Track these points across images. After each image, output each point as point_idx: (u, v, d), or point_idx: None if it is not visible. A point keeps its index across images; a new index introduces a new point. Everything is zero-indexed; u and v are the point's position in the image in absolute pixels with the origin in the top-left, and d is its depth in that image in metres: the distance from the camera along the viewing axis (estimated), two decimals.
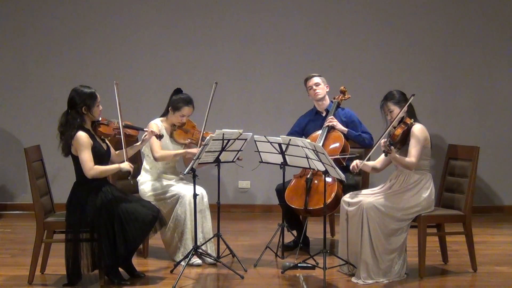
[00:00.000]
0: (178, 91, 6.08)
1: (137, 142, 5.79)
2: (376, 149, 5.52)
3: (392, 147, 5.32)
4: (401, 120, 5.48)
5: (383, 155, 5.55)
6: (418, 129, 5.45)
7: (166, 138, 6.00)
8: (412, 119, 5.48)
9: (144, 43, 8.29)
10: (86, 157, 5.19)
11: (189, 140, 6.04)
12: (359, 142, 6.29)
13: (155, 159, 5.92)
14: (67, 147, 5.24)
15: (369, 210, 5.37)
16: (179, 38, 8.28)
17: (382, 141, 5.34)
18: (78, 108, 5.25)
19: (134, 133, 5.58)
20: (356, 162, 5.53)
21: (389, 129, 5.45)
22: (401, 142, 5.47)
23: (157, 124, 5.97)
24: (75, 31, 8.26)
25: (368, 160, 5.57)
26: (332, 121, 6.26)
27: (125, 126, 5.49)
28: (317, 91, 6.41)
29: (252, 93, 8.34)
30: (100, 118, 5.40)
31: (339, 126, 6.26)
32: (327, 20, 8.29)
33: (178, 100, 5.99)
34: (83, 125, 5.27)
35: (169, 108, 6.02)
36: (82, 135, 5.19)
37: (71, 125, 5.22)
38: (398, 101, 5.52)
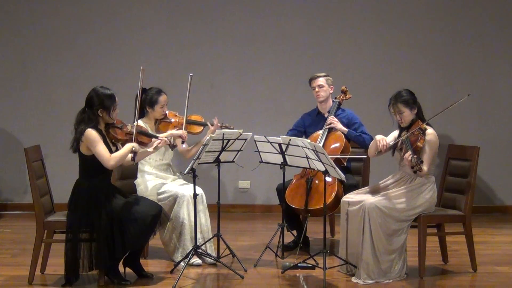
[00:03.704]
0: (143, 90, 6.04)
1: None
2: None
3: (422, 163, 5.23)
4: (412, 123, 5.43)
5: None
6: (432, 135, 5.40)
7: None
8: (424, 123, 5.44)
9: (144, 44, 8.29)
10: (102, 150, 5.18)
11: (175, 128, 6.03)
12: (359, 142, 6.28)
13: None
14: (76, 143, 5.24)
15: (371, 211, 5.36)
16: (178, 38, 8.29)
17: (408, 156, 5.24)
18: (95, 109, 5.25)
19: (147, 141, 5.49)
20: (384, 143, 5.43)
21: (407, 135, 5.35)
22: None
23: (143, 126, 5.94)
24: (75, 32, 8.27)
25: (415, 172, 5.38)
26: (332, 121, 6.26)
27: (139, 132, 5.46)
28: (319, 93, 6.40)
29: (252, 93, 8.34)
30: (115, 121, 5.38)
31: (339, 126, 6.25)
32: (327, 20, 8.29)
33: (150, 96, 6.01)
34: (97, 126, 5.27)
35: (147, 108, 6.02)
36: (91, 131, 5.18)
37: (86, 124, 5.21)
38: (408, 102, 5.47)
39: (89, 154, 5.24)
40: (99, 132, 5.25)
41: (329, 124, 6.25)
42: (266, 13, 8.30)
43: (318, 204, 5.86)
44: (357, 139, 6.27)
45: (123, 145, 5.44)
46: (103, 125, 5.33)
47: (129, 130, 5.38)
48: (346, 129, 6.25)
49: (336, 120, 6.27)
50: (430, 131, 5.43)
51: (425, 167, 5.35)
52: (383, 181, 5.66)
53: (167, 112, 6.09)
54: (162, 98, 6.02)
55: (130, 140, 5.35)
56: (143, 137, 5.48)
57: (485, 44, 8.31)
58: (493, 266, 5.97)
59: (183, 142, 6.03)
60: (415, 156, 5.21)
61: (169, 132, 5.95)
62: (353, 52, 8.30)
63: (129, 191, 6.03)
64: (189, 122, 6.07)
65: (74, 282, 5.27)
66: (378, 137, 5.51)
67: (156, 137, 5.57)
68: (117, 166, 5.28)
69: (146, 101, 6.01)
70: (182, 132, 5.96)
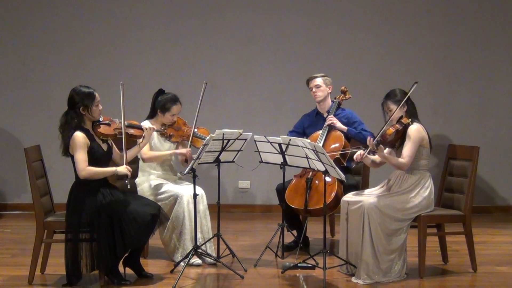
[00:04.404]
0: (161, 91, 6.06)
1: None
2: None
3: (381, 146, 5.32)
4: (398, 120, 5.48)
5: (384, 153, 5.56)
6: (413, 129, 5.44)
7: (157, 139, 5.99)
8: (410, 119, 5.46)
9: (143, 43, 8.29)
10: (80, 157, 5.17)
11: (180, 138, 6.03)
12: (359, 139, 6.28)
13: (143, 160, 5.93)
14: (66, 147, 5.25)
15: (370, 211, 5.37)
16: (178, 38, 8.29)
17: (370, 139, 5.36)
18: (77, 108, 5.25)
19: (138, 133, 5.51)
20: (360, 152, 5.53)
21: (384, 127, 5.44)
22: (399, 141, 5.46)
23: (132, 120, 5.94)
24: (75, 31, 8.27)
25: (372, 153, 5.51)
26: (331, 120, 6.26)
27: (129, 126, 5.45)
28: (316, 93, 6.41)
29: (252, 93, 8.34)
30: (102, 118, 5.38)
31: (339, 124, 6.26)
32: (327, 19, 8.29)
33: (165, 101, 5.98)
34: (82, 125, 5.27)
35: (158, 111, 6.01)
36: (78, 135, 5.18)
37: (70, 125, 5.21)
38: (398, 100, 5.51)
39: None
40: (86, 132, 5.25)
41: (329, 121, 6.25)
42: (266, 13, 8.30)
43: (318, 204, 5.87)
44: (358, 136, 6.28)
45: (114, 141, 5.44)
46: (89, 123, 5.33)
47: (117, 125, 5.38)
48: (345, 128, 6.26)
49: (336, 119, 6.28)
50: (414, 126, 5.45)
51: (403, 160, 5.40)
52: (382, 184, 5.67)
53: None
54: (176, 108, 5.99)
55: (120, 135, 5.34)
56: (134, 130, 5.48)
57: (485, 44, 8.31)
58: (493, 266, 5.97)
59: (186, 161, 6.00)
60: (377, 139, 5.29)
61: (173, 151, 5.98)
62: (353, 52, 8.30)
63: (129, 191, 6.04)
64: (196, 136, 6.04)
65: (76, 283, 5.27)
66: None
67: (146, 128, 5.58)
68: (90, 179, 5.20)
69: (160, 105, 5.99)
70: (186, 151, 5.94)
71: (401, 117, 5.48)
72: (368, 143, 5.40)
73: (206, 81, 6.01)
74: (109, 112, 5.51)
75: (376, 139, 5.33)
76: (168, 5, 8.29)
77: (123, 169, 5.30)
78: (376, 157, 5.61)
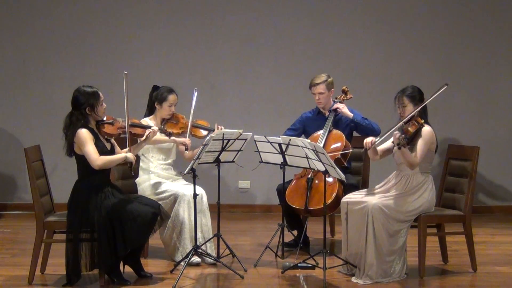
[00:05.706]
0: (156, 87, 6.13)
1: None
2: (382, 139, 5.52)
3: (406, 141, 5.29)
4: (414, 119, 5.44)
5: (385, 145, 5.53)
6: (428, 131, 5.42)
7: (158, 135, 5.97)
8: (423, 120, 5.45)
9: (144, 43, 8.29)
10: (91, 149, 5.18)
11: (180, 129, 6.06)
12: (365, 126, 6.23)
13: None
14: (70, 146, 5.25)
15: (374, 212, 5.35)
16: (178, 38, 8.29)
17: (397, 134, 5.31)
18: (82, 109, 5.25)
19: (141, 132, 5.53)
20: (372, 139, 5.48)
21: (399, 124, 5.40)
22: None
23: (148, 123, 5.96)
24: (75, 31, 8.27)
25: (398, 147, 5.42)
26: (338, 107, 6.26)
27: (132, 125, 5.47)
28: (319, 100, 6.40)
29: (252, 93, 8.34)
30: (105, 117, 5.39)
31: (345, 110, 6.26)
32: (327, 20, 8.29)
33: (160, 93, 6.06)
34: (88, 125, 5.27)
35: (155, 104, 6.06)
36: (82, 131, 5.19)
37: (75, 126, 5.22)
38: (414, 98, 5.48)
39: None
40: (91, 130, 5.26)
41: (336, 108, 6.26)
42: (266, 13, 8.30)
43: (318, 204, 5.86)
44: (364, 121, 6.25)
45: (117, 139, 5.45)
46: (94, 123, 5.34)
47: (120, 124, 5.39)
48: (351, 114, 6.25)
49: (343, 105, 6.27)
50: (427, 128, 5.44)
51: (417, 159, 5.38)
52: (382, 184, 5.66)
53: (174, 113, 6.09)
54: (172, 97, 6.05)
55: (124, 134, 5.36)
56: (136, 129, 5.51)
57: (485, 44, 8.31)
58: (493, 266, 5.97)
59: (186, 149, 6.05)
60: (403, 135, 5.25)
61: (173, 138, 5.98)
62: (353, 52, 8.30)
63: (130, 191, 6.04)
64: (195, 126, 6.07)
65: (75, 282, 5.27)
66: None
67: (149, 127, 5.60)
68: (104, 168, 5.25)
69: (157, 97, 6.06)
70: (186, 140, 5.98)
71: (413, 117, 5.42)
72: (394, 137, 5.34)
73: (197, 88, 6.05)
74: (111, 110, 5.50)
75: (403, 135, 5.26)
76: (168, 5, 8.29)
77: (131, 155, 5.35)
78: (378, 149, 5.58)
